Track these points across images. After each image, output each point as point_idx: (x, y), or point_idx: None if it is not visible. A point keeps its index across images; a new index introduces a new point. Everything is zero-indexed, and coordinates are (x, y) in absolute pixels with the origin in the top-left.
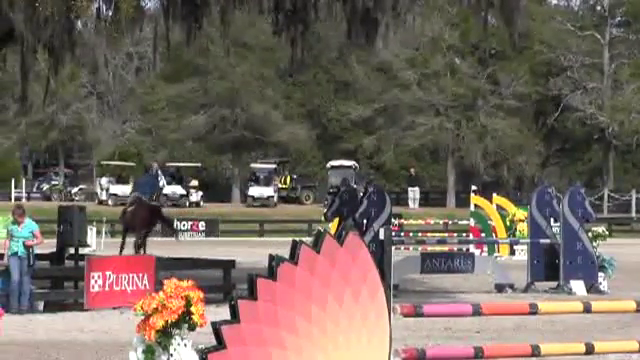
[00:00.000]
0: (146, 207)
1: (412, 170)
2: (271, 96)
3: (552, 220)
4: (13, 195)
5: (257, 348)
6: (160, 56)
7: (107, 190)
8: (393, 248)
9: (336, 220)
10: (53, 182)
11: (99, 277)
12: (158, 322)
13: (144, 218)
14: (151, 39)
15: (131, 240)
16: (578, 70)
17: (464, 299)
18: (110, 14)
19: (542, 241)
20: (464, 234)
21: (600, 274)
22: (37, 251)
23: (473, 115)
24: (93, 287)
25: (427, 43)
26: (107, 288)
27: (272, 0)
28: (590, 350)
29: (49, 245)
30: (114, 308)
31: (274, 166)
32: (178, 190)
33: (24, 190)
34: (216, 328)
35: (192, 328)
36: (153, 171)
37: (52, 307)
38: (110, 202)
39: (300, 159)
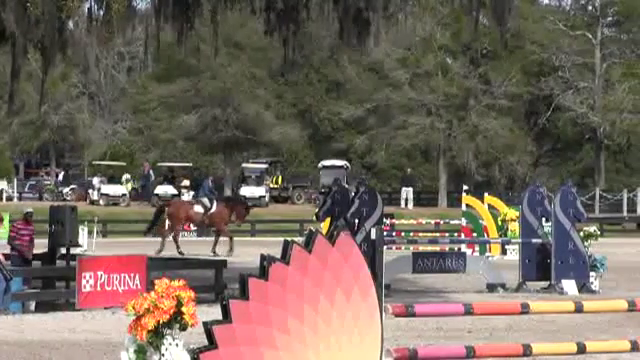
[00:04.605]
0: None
1: (408, 170)
2: (263, 96)
3: (544, 220)
4: (5, 195)
5: (249, 348)
6: (151, 56)
7: (99, 190)
8: (385, 248)
9: (328, 220)
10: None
11: (90, 277)
12: (150, 322)
13: None
14: (143, 39)
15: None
16: (570, 70)
17: (456, 299)
18: (101, 14)
19: (534, 241)
20: (456, 234)
21: (592, 274)
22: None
23: (465, 115)
24: (84, 287)
25: (419, 43)
26: (99, 288)
27: (263, 0)
28: (582, 350)
29: (41, 245)
30: (106, 308)
31: (265, 166)
32: (170, 190)
33: (16, 190)
34: (208, 328)
35: (183, 328)
36: (145, 171)
37: (44, 307)
38: (102, 202)
39: (292, 159)
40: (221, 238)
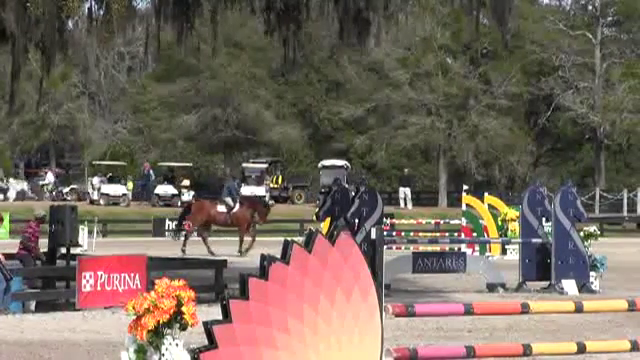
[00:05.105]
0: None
1: (406, 170)
2: (263, 96)
3: (544, 220)
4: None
5: (249, 348)
6: (152, 56)
7: (99, 190)
8: (385, 248)
9: (328, 220)
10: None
11: (91, 277)
12: (150, 322)
13: None
14: (143, 39)
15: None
16: (570, 70)
17: (456, 299)
18: (101, 14)
19: (534, 241)
20: (456, 234)
21: (592, 274)
22: None
23: (465, 115)
24: (85, 287)
25: (419, 43)
26: (99, 288)
27: (263, 0)
28: (582, 349)
29: (41, 245)
30: (106, 308)
31: (265, 166)
32: (170, 190)
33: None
34: (208, 328)
35: (183, 328)
36: (145, 171)
37: (44, 307)
38: (102, 202)
39: (292, 159)
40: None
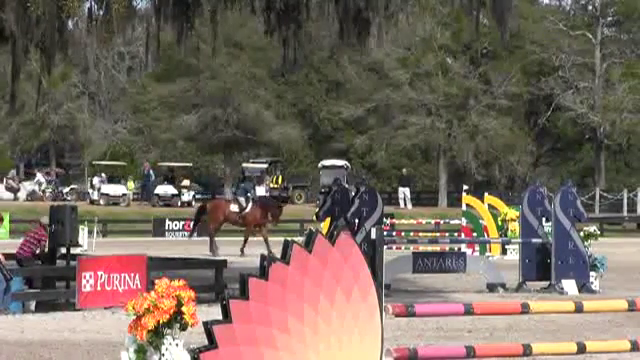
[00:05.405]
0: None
1: (404, 170)
2: (263, 96)
3: (544, 220)
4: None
5: (249, 348)
6: (152, 56)
7: (99, 190)
8: (385, 248)
9: (328, 220)
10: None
11: (91, 277)
12: (150, 322)
13: None
14: (143, 39)
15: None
16: (570, 70)
17: (456, 299)
18: (101, 14)
19: (534, 241)
20: (456, 234)
21: (592, 274)
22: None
23: (465, 115)
24: (85, 287)
25: (419, 43)
26: (99, 288)
27: (263, 0)
28: (582, 349)
29: None
30: (106, 308)
31: (265, 166)
32: (170, 190)
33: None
34: (208, 328)
35: (183, 328)
36: (145, 171)
37: (44, 307)
38: (102, 202)
39: (292, 159)
40: (250, 237)
